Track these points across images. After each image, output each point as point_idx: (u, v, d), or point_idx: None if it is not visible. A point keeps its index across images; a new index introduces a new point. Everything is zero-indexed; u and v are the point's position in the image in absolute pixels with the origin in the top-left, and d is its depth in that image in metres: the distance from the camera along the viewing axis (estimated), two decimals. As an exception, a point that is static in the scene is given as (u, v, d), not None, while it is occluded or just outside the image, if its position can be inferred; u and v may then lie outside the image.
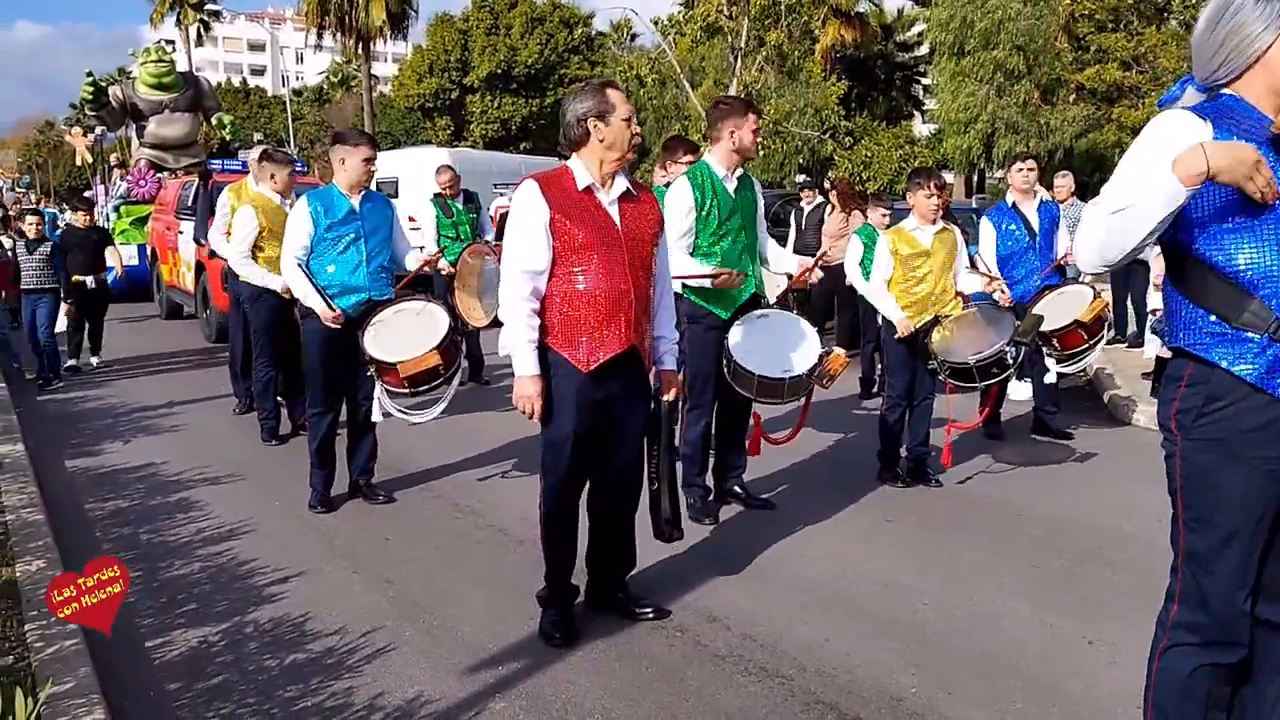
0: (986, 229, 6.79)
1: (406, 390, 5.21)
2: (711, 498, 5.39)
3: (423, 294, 5.71)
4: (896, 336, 5.76)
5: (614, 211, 3.66)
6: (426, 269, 5.76)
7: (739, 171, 5.14)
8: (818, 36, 33.40)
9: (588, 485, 3.92)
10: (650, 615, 3.99)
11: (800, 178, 27.66)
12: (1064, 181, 9.77)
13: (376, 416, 5.36)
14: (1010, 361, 5.55)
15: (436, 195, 8.95)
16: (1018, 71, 26.51)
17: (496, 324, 7.15)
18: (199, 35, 50.71)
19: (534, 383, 3.61)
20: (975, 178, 34.54)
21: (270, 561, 4.64)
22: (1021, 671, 3.60)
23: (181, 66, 23.12)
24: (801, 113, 28.64)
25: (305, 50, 52.33)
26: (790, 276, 5.51)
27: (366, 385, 5.38)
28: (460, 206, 8.89)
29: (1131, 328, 10.15)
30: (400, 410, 5.34)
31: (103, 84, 19.51)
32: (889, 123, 36.07)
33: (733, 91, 25.72)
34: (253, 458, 6.60)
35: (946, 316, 5.76)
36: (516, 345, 3.62)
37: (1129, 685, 3.49)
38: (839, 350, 5.24)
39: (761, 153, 27.52)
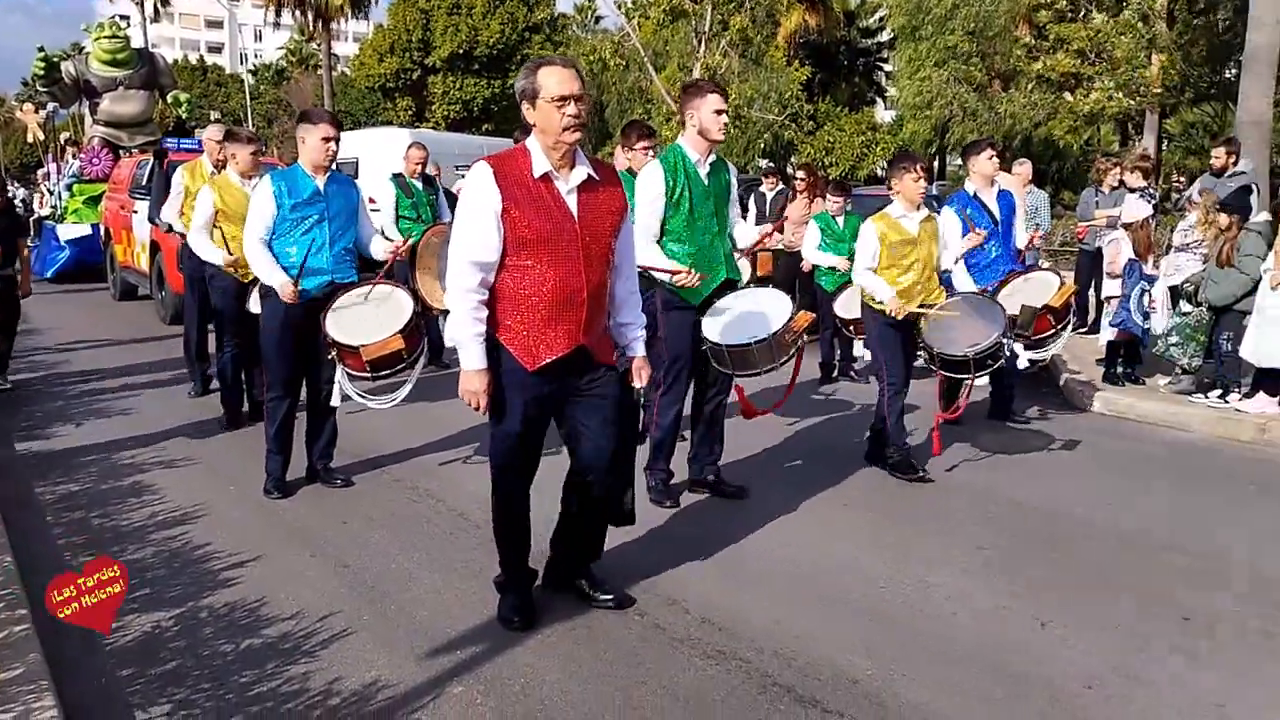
0: (950, 218, 6.61)
1: (369, 374, 5.15)
2: (673, 481, 5.40)
3: (386, 278, 5.63)
4: (888, 318, 5.62)
5: (572, 201, 3.48)
6: (400, 258, 5.61)
7: (712, 156, 5.07)
8: (781, 21, 33.40)
9: (566, 475, 3.85)
10: (610, 604, 3.95)
11: (763, 163, 27.71)
12: (1022, 169, 9.85)
13: (336, 400, 5.30)
14: (1007, 352, 5.53)
15: (396, 175, 8.86)
16: (970, 56, 26.71)
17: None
18: (155, 10, 49.74)
19: (480, 377, 3.51)
20: (936, 165, 34.77)
21: (225, 546, 4.60)
22: (975, 653, 3.65)
23: (137, 43, 22.68)
24: (765, 98, 28.65)
25: (264, 28, 51.52)
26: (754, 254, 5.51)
27: (327, 369, 5.31)
28: (420, 187, 8.82)
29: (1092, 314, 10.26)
30: (361, 395, 5.29)
31: (55, 59, 19.04)
32: (851, 109, 36.20)
33: (696, 75, 25.66)
34: (208, 441, 6.51)
35: (931, 306, 5.68)
36: (462, 338, 3.49)
37: (1079, 665, 3.55)
38: (802, 311, 5.17)
39: (724, 137, 27.53)
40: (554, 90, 3.38)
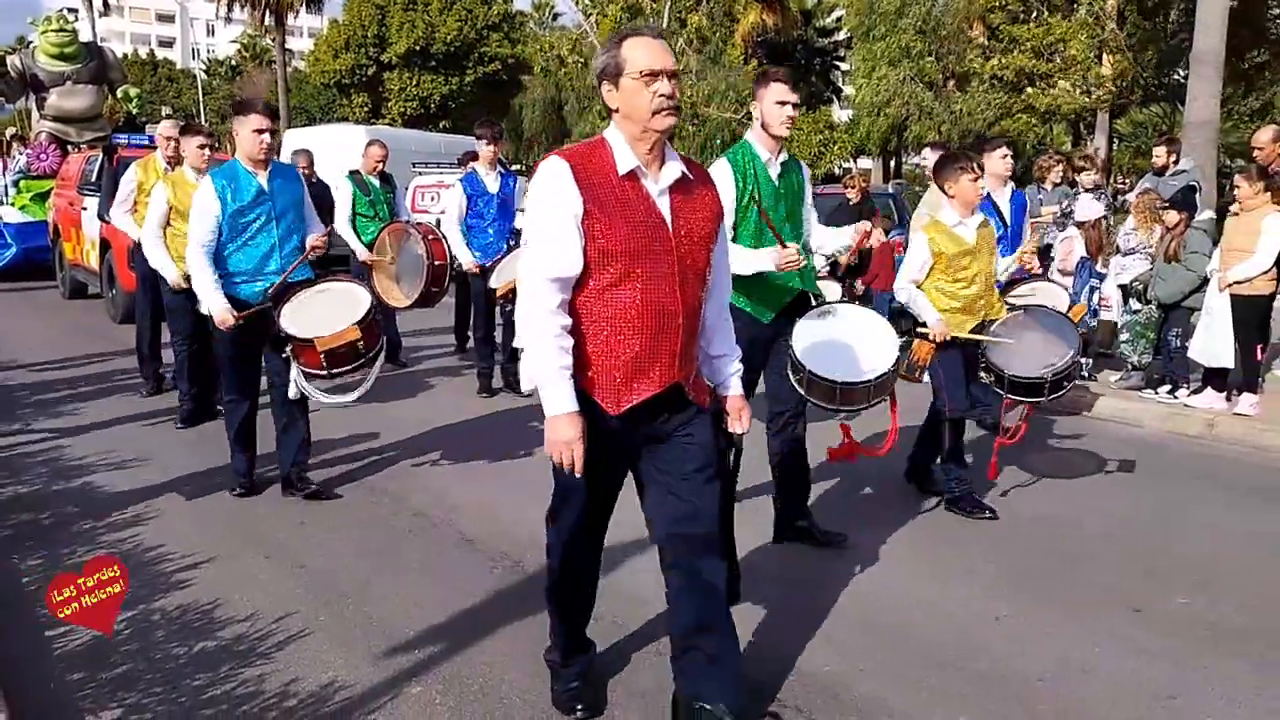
0: None
1: (325, 371, 4.97)
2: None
3: (343, 274, 5.51)
4: (935, 340, 5.02)
5: (664, 205, 2.82)
6: (313, 254, 5.25)
7: (783, 155, 4.46)
8: (739, 20, 33.54)
9: (658, 552, 3.08)
10: None
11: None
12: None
13: (292, 393, 5.13)
14: (1085, 373, 4.99)
15: (353, 173, 8.79)
16: (922, 55, 27.03)
17: (416, 305, 7.09)
18: (104, 4, 48.89)
19: (572, 423, 2.75)
20: (893, 164, 35.13)
21: (178, 547, 4.53)
22: (931, 647, 3.69)
23: (85, 36, 22.28)
24: (723, 96, 28.77)
25: (216, 22, 50.83)
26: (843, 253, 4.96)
27: (289, 372, 5.12)
28: (378, 185, 8.76)
29: None
30: (318, 392, 5.17)
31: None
32: (809, 108, 36.38)
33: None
34: (160, 441, 6.41)
35: (993, 322, 5.14)
36: (545, 374, 2.76)
37: (1033, 658, 3.61)
38: (919, 339, 4.74)
39: (679, 135, 27.63)
40: (641, 63, 2.73)
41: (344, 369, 5.02)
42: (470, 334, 8.72)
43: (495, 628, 3.75)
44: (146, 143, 13.39)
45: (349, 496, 5.38)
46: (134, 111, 19.40)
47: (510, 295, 7.06)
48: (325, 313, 5.05)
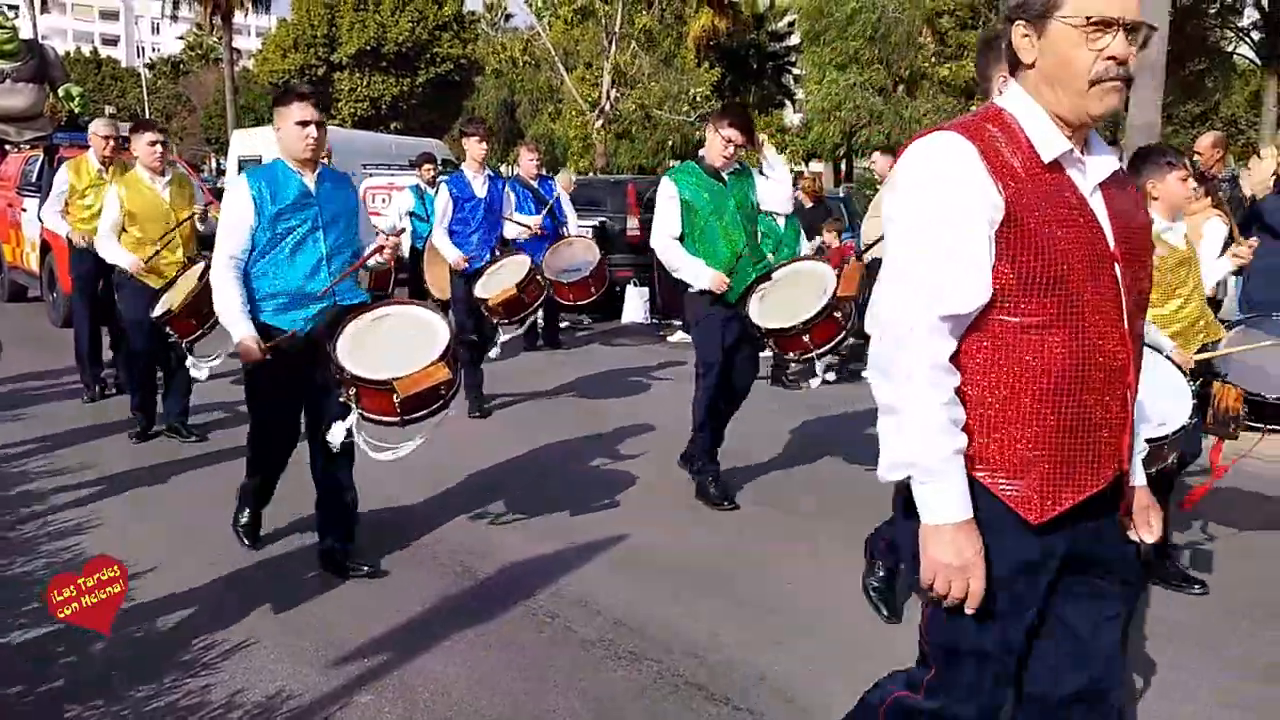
0: None
1: (397, 418, 3.92)
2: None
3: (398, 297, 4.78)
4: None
5: (1097, 208, 1.90)
6: (378, 257, 4.33)
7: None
8: (689, 22, 33.69)
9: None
10: None
11: (674, 164, 27.83)
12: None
13: (338, 437, 4.01)
14: None
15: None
16: (872, 61, 27.34)
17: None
18: (44, 0, 47.94)
19: (968, 539, 1.84)
20: (844, 167, 35.47)
21: (120, 557, 4.36)
22: (884, 647, 3.70)
23: (25, 34, 21.84)
24: (675, 99, 28.86)
25: (161, 20, 50.02)
26: None
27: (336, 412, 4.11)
28: (326, 187, 8.63)
29: None
30: (370, 442, 4.08)
31: (-65, 50, 18.21)
32: (761, 111, 36.62)
33: (606, 76, 25.73)
34: (102, 450, 6.27)
35: (1215, 342, 4.13)
36: (931, 461, 1.83)
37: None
38: (1221, 383, 3.83)
39: (631, 138, 27.67)
40: (1091, 5, 1.78)
41: (419, 415, 3.96)
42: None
43: (446, 637, 3.71)
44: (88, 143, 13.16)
45: (294, 501, 5.29)
46: (76, 111, 18.98)
47: (501, 308, 6.45)
48: (389, 344, 4.06)
